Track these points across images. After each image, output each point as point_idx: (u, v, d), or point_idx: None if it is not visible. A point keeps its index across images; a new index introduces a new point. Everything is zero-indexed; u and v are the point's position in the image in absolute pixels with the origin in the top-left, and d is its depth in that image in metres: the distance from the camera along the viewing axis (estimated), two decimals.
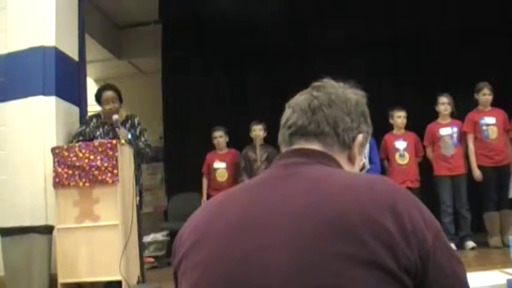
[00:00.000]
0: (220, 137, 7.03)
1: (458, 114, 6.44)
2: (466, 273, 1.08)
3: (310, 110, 1.28)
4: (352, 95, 1.32)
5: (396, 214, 0.99)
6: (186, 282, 1.11)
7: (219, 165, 7.04)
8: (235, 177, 6.97)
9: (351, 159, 1.29)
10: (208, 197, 6.97)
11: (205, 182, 7.10)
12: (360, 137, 1.30)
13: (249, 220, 1.08)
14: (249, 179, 1.37)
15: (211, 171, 7.07)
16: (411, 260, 0.97)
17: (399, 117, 6.54)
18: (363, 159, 1.37)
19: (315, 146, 1.25)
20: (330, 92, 1.30)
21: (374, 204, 1.01)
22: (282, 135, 1.32)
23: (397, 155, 6.46)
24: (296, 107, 1.31)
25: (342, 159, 1.27)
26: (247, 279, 1.01)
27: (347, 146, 1.28)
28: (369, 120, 1.35)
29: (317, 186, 1.08)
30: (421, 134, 6.59)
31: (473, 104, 6.41)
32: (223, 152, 7.10)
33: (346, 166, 1.28)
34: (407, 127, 6.61)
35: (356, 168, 1.32)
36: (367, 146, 1.40)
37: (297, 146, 1.27)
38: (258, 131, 6.80)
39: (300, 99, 1.32)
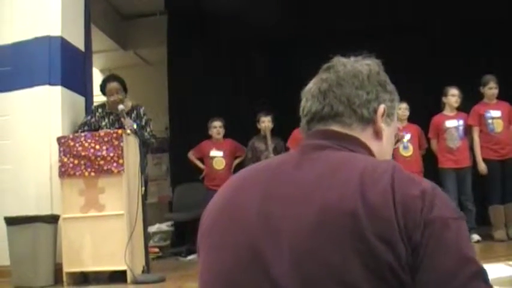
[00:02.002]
0: (220, 127, 7.04)
1: (464, 107, 6.41)
2: (473, 271, 0.97)
3: (321, 93, 1.23)
4: (364, 66, 1.26)
5: (396, 207, 0.97)
6: (203, 261, 1.15)
7: (216, 153, 7.04)
8: (231, 166, 7.05)
9: (377, 134, 1.23)
10: (206, 187, 7.04)
11: (191, 153, 7.22)
12: (382, 107, 1.23)
13: (261, 208, 1.08)
14: (268, 160, 1.35)
15: (208, 159, 7.08)
16: (407, 256, 0.95)
17: (399, 109, 6.51)
18: (395, 131, 1.31)
19: (333, 128, 1.21)
20: (338, 70, 1.25)
21: (380, 197, 0.98)
22: (301, 124, 1.29)
23: (400, 147, 6.44)
24: (308, 94, 1.27)
25: (365, 137, 1.21)
26: (253, 264, 1.02)
27: (368, 120, 1.21)
28: (389, 87, 1.28)
29: (331, 173, 1.06)
30: (422, 127, 6.56)
31: (478, 96, 6.39)
32: (220, 141, 7.11)
33: (373, 143, 1.22)
34: (410, 119, 6.58)
35: (385, 144, 1.26)
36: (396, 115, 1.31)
37: (316, 128, 1.23)
38: (266, 123, 6.80)
39: (311, 85, 1.29)
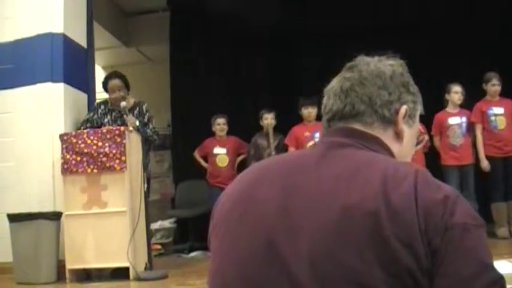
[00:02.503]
0: (223, 124, 7.03)
1: (466, 105, 6.40)
2: (491, 279, 0.97)
3: (343, 92, 1.22)
4: (387, 66, 1.25)
5: (418, 211, 0.96)
6: (216, 250, 1.17)
7: (220, 150, 7.03)
8: (235, 163, 7.05)
9: (398, 135, 1.21)
10: (210, 184, 7.03)
11: (197, 153, 7.17)
12: (404, 108, 1.21)
13: (280, 201, 1.07)
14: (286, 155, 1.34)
15: (211, 156, 7.06)
16: (427, 260, 0.95)
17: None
18: (416, 133, 1.30)
19: (355, 126, 1.20)
20: (361, 70, 1.24)
21: (402, 200, 0.97)
22: (322, 122, 1.29)
23: None
24: (330, 92, 1.26)
25: (386, 137, 1.20)
26: (269, 258, 1.03)
27: (390, 121, 1.20)
28: (412, 88, 1.26)
29: (353, 173, 1.05)
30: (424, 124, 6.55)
31: (481, 94, 6.37)
32: (223, 138, 7.10)
33: (394, 144, 1.22)
34: None
35: (406, 145, 1.24)
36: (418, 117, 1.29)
37: (337, 126, 1.22)
38: (269, 120, 6.78)
39: (333, 83, 1.28)
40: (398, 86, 1.23)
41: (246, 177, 1.21)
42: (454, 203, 0.99)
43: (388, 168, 1.04)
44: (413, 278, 0.94)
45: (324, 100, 1.28)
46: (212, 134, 7.14)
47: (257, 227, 1.07)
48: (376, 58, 1.28)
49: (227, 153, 7.03)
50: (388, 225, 0.95)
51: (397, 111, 1.21)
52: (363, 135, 1.18)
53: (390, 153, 1.20)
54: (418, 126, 1.30)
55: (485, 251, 0.99)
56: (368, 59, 1.28)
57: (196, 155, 7.18)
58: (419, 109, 1.29)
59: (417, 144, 1.32)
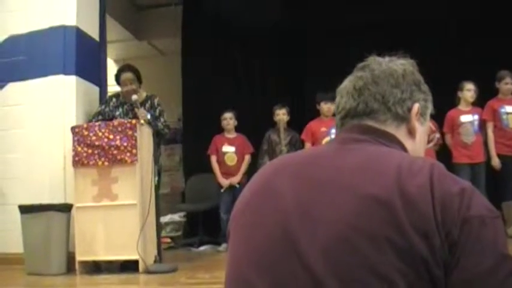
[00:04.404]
0: (230, 118, 7.01)
1: (479, 102, 6.37)
2: (510, 269, 0.98)
3: (356, 91, 1.25)
4: (398, 66, 1.28)
5: (434, 202, 0.97)
6: (233, 240, 1.18)
7: (228, 149, 7.01)
8: (243, 162, 7.00)
9: (411, 132, 1.24)
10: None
11: (214, 158, 7.06)
12: (416, 106, 1.24)
13: (297, 191, 1.09)
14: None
15: (220, 154, 7.04)
16: (443, 251, 0.95)
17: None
18: (427, 130, 1.32)
19: (369, 123, 1.23)
20: (374, 69, 1.26)
21: (418, 190, 0.98)
22: (335, 121, 1.31)
23: None
24: (343, 91, 1.29)
25: (400, 134, 1.23)
26: (285, 246, 1.04)
27: (402, 118, 1.23)
28: (423, 87, 1.29)
29: (369, 164, 1.07)
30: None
31: (492, 93, 6.34)
32: (232, 136, 7.08)
33: (407, 141, 1.24)
34: None
35: (418, 143, 1.27)
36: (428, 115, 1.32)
37: (352, 124, 1.25)
38: (281, 115, 6.77)
39: (346, 82, 1.30)
40: (410, 84, 1.26)
41: (264, 171, 1.23)
42: (470, 196, 1.00)
43: (403, 161, 1.06)
44: (428, 269, 0.95)
45: (337, 99, 1.31)
46: (222, 130, 7.13)
47: (274, 218, 1.08)
48: (387, 58, 1.31)
49: (236, 152, 7.01)
50: (404, 215, 0.96)
51: (409, 109, 1.24)
52: (377, 132, 1.21)
53: (404, 149, 1.22)
54: (429, 124, 1.33)
55: (503, 242, 1.00)
56: (379, 59, 1.31)
57: (213, 160, 7.06)
58: (430, 107, 1.32)
59: (428, 142, 1.33)
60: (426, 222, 0.96)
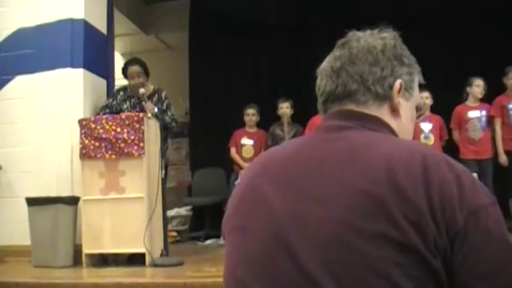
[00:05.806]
0: (253, 114, 7.03)
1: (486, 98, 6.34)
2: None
3: (334, 72, 1.21)
4: (378, 40, 1.22)
5: (429, 191, 0.94)
6: (227, 243, 1.17)
7: (247, 141, 7.04)
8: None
9: (395, 110, 1.19)
10: (233, 170, 7.03)
11: (233, 150, 7.08)
12: (398, 82, 1.19)
13: (285, 184, 1.08)
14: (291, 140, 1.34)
15: (238, 146, 7.07)
16: (440, 242, 0.93)
17: (420, 98, 6.43)
18: (416, 103, 1.27)
19: (349, 107, 1.18)
20: (352, 47, 1.21)
21: (409, 179, 0.95)
22: (318, 105, 1.27)
23: (422, 137, 6.37)
24: (322, 72, 1.25)
25: (383, 114, 1.18)
26: (277, 248, 1.02)
27: (384, 97, 1.18)
28: (407, 60, 1.23)
29: (356, 154, 1.04)
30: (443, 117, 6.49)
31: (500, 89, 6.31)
32: (252, 131, 7.10)
33: (391, 120, 1.19)
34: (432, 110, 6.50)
35: (405, 120, 1.22)
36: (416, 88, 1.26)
37: (334, 109, 1.21)
38: (285, 109, 6.78)
39: (325, 63, 1.26)
40: (391, 60, 1.20)
41: (249, 172, 1.21)
42: (466, 183, 0.97)
43: (391, 149, 1.03)
44: (423, 259, 0.92)
45: (317, 81, 1.27)
46: (242, 124, 7.14)
47: (262, 220, 1.07)
48: (368, 32, 1.26)
49: (253, 145, 7.02)
50: (396, 207, 0.94)
51: (391, 86, 1.18)
52: (360, 116, 1.16)
53: (391, 130, 1.18)
54: (417, 97, 1.27)
55: (504, 228, 0.99)
56: (359, 34, 1.26)
57: (233, 152, 7.10)
58: (417, 79, 1.26)
59: (418, 117, 1.30)
60: (419, 212, 0.93)
